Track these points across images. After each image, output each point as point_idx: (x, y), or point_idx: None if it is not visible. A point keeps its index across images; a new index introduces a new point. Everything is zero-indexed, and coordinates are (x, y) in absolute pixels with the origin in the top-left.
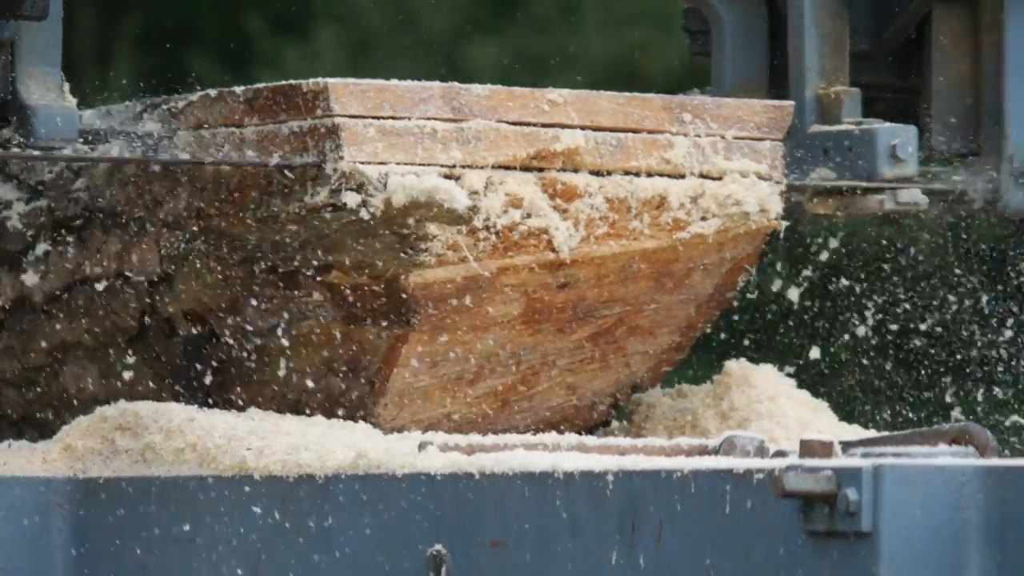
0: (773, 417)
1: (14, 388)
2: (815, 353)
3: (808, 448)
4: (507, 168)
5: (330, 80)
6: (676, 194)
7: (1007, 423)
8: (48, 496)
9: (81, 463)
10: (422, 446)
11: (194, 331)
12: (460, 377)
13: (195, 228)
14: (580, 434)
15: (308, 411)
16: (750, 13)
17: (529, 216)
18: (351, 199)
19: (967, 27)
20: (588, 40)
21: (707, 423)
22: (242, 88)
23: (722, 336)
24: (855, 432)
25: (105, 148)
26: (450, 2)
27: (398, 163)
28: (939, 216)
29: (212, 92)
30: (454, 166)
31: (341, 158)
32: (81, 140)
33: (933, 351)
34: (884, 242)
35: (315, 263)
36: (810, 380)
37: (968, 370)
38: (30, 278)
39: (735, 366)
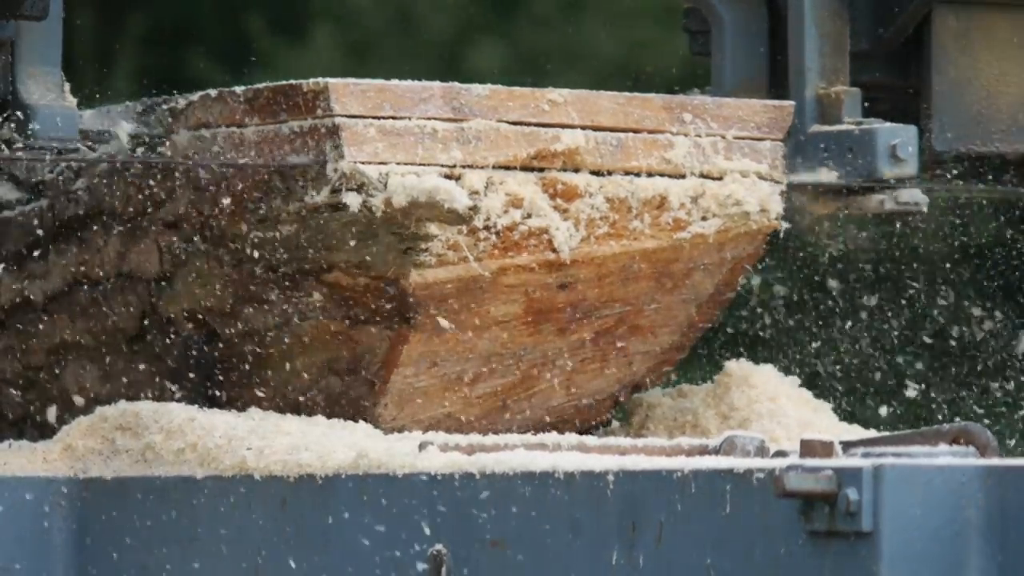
0: (773, 417)
1: (15, 388)
2: (815, 353)
3: (808, 448)
4: (507, 168)
5: (330, 80)
6: (677, 194)
7: (1016, 416)
8: (48, 496)
9: (82, 463)
10: (422, 446)
11: (194, 331)
12: (460, 377)
13: (195, 228)
14: (581, 434)
15: (308, 411)
16: (750, 13)
17: (529, 216)
18: (351, 199)
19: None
20: (589, 38)
21: (707, 423)
22: (242, 88)
23: (723, 336)
24: (856, 432)
25: (105, 148)
26: (450, 2)
27: (398, 163)
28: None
29: (212, 92)
30: (454, 166)
31: (341, 158)
32: (81, 140)
33: (934, 351)
34: (884, 242)
35: (315, 263)
36: (810, 380)
37: (969, 369)
38: (30, 278)
39: (735, 366)
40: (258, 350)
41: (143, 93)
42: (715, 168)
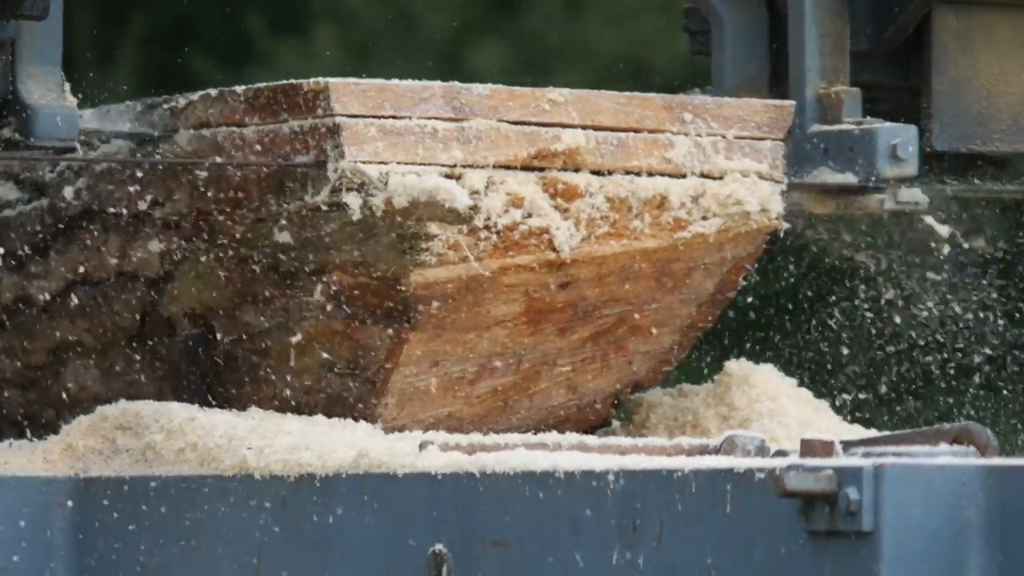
0: (774, 417)
1: (16, 387)
2: (816, 353)
3: (809, 447)
4: (508, 168)
5: (331, 80)
6: (677, 194)
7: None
8: (49, 495)
9: (82, 462)
10: (423, 445)
11: (194, 331)
12: (461, 377)
13: (195, 228)
14: (581, 433)
15: (309, 411)
16: (750, 13)
17: (530, 216)
18: (352, 199)
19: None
20: (590, 36)
21: (708, 423)
22: (243, 88)
23: (722, 336)
24: (856, 432)
25: (106, 148)
26: (451, 1)
27: (399, 163)
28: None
29: (213, 92)
30: (455, 166)
31: (342, 157)
32: (82, 140)
33: (934, 350)
34: (885, 241)
35: (316, 263)
36: (811, 380)
37: (970, 369)
38: (30, 278)
39: (735, 366)
40: (258, 350)
41: (143, 93)
42: (716, 168)
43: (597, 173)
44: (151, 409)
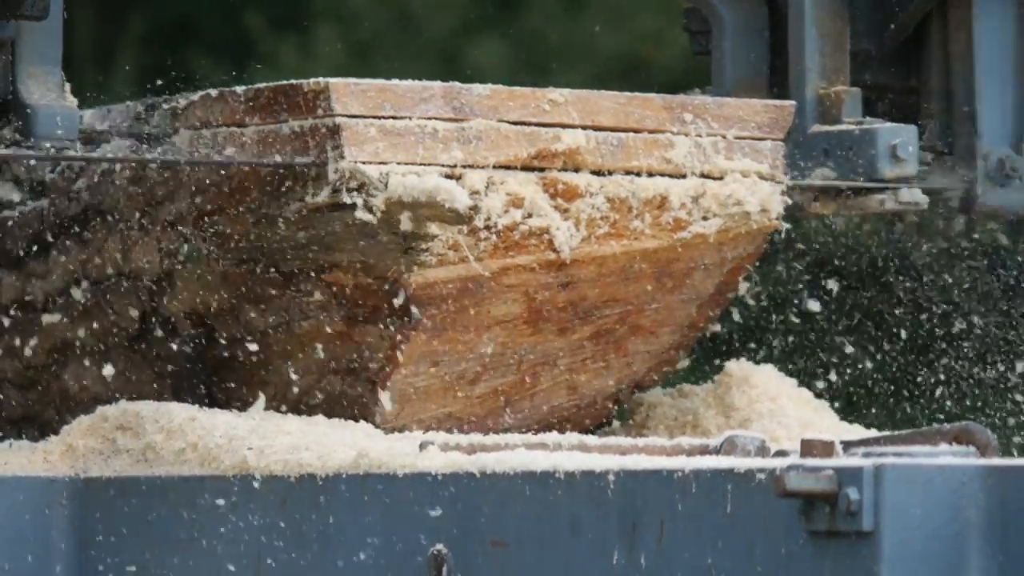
0: (774, 417)
1: (15, 387)
2: (815, 352)
3: (809, 448)
4: (508, 168)
5: (331, 80)
6: (677, 194)
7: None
8: (49, 496)
9: (82, 463)
10: (423, 446)
11: (194, 331)
12: (461, 377)
13: (196, 228)
14: (582, 433)
15: (309, 411)
16: (750, 13)
17: (530, 216)
18: (352, 199)
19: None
20: (590, 35)
21: (708, 423)
22: (243, 88)
23: (723, 336)
24: (856, 432)
25: (106, 148)
26: (451, 1)
27: (399, 163)
28: (932, 216)
29: (213, 92)
30: (455, 166)
31: (342, 158)
32: (82, 140)
33: (935, 350)
34: (885, 241)
35: (316, 263)
36: (811, 379)
37: (970, 368)
38: (30, 278)
39: (735, 366)
40: (258, 350)
41: (143, 93)
42: (716, 168)
43: (597, 173)
44: (151, 409)
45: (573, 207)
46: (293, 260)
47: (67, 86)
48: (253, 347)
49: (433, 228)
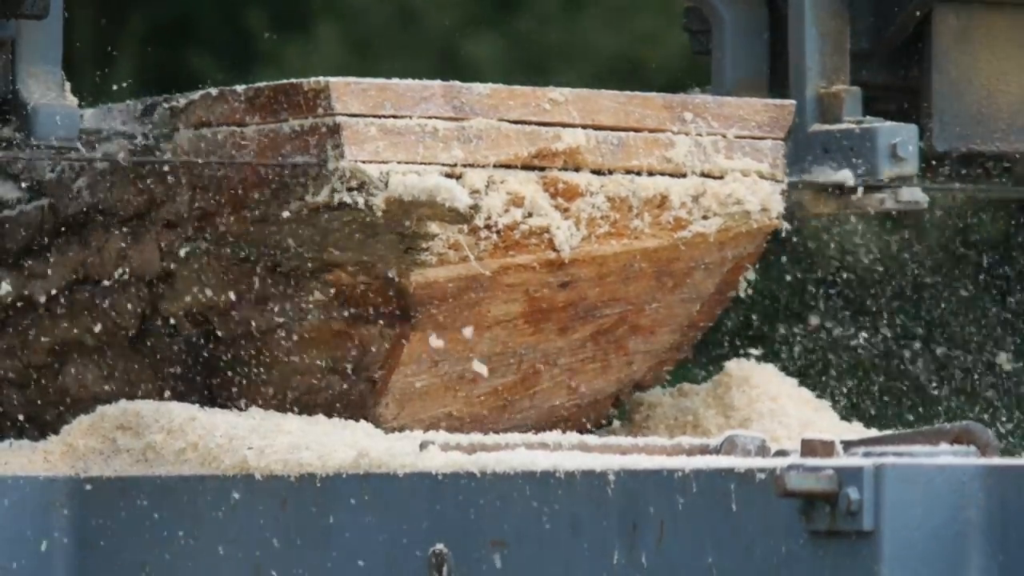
0: (774, 416)
1: (16, 387)
2: (816, 352)
3: (809, 447)
4: (508, 167)
5: (331, 79)
6: (677, 193)
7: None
8: (49, 495)
9: (82, 462)
10: (423, 445)
11: (195, 331)
12: (461, 376)
13: (196, 228)
14: (582, 433)
15: (309, 410)
16: (750, 12)
17: (530, 215)
18: (352, 198)
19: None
20: (589, 34)
21: (708, 422)
22: (243, 87)
23: (723, 336)
24: (857, 431)
25: (106, 148)
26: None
27: (399, 162)
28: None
29: (213, 91)
30: (455, 165)
31: (342, 157)
32: (82, 139)
33: (935, 350)
34: (885, 241)
35: (316, 262)
36: (811, 379)
37: (970, 369)
38: (30, 278)
39: (735, 366)
40: (258, 349)
41: (143, 92)
42: (716, 167)
43: (597, 172)
44: (151, 409)
45: (573, 206)
46: (293, 260)
47: (67, 86)
48: (253, 347)
49: (433, 227)
